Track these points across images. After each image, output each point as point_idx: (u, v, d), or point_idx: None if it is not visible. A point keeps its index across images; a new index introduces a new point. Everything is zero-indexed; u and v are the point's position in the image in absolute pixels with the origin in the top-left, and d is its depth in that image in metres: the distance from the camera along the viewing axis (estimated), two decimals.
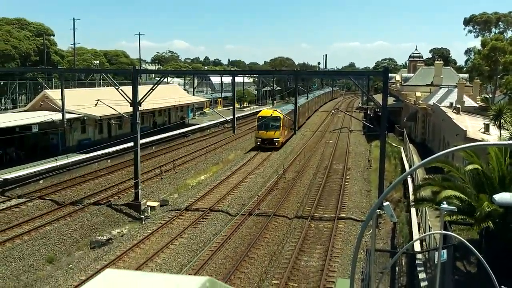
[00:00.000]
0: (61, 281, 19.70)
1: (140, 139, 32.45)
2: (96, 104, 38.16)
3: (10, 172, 31.33)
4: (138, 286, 2.07)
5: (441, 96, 47.92)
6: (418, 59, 79.16)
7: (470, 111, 40.61)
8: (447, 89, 49.93)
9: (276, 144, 49.80)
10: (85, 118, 43.65)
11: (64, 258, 22.91)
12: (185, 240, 23.64)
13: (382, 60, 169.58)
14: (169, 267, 20.55)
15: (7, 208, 27.55)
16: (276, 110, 51.54)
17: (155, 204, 30.71)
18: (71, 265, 21.75)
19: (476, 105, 44.35)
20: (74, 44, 74.66)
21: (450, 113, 36.44)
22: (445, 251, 14.58)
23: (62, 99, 38.11)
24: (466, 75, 63.46)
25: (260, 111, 62.31)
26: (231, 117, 36.62)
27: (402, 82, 70.80)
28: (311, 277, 19.66)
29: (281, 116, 50.18)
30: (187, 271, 19.91)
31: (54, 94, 44.04)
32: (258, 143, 50.19)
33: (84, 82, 70.53)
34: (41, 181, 33.00)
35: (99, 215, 27.93)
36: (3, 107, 55.18)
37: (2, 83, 57.79)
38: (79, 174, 35.80)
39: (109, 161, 40.38)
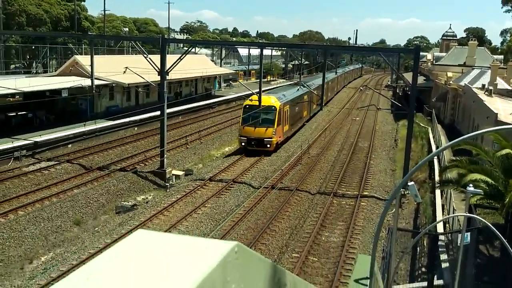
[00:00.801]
0: (87, 243, 20.29)
1: (167, 108, 32.70)
2: (124, 72, 38.47)
3: (40, 135, 32.05)
4: (168, 247, 2.12)
5: (473, 77, 46.71)
6: (451, 38, 77.01)
7: (503, 93, 39.56)
8: (480, 70, 48.59)
9: (268, 146, 35.74)
10: (114, 85, 44.10)
11: (90, 221, 23.55)
12: (208, 210, 23.99)
13: (414, 38, 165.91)
14: (192, 235, 20.90)
15: (37, 170, 28.32)
16: (270, 96, 37.99)
17: (180, 173, 31.12)
18: (97, 228, 22.35)
19: (510, 87, 43.11)
20: (104, 10, 74.84)
21: (481, 95, 35.58)
22: (468, 233, 14.46)
23: (92, 65, 38.50)
24: (501, 57, 61.70)
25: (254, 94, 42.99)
26: (257, 90, 36.54)
27: (434, 61, 69.17)
28: (331, 252, 19.79)
29: (277, 106, 36.29)
30: None
31: (84, 60, 44.50)
32: (243, 144, 36.08)
33: (113, 49, 70.99)
34: (69, 145, 33.72)
35: (125, 181, 28.48)
36: (34, 71, 56.07)
37: (33, 47, 58.63)
38: (106, 140, 36.41)
39: (135, 128, 40.90)
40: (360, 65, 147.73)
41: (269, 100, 36.58)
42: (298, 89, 47.31)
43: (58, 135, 33.06)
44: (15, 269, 18.04)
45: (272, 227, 22.18)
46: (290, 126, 41.06)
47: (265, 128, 35.61)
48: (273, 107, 35.93)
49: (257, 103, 35.58)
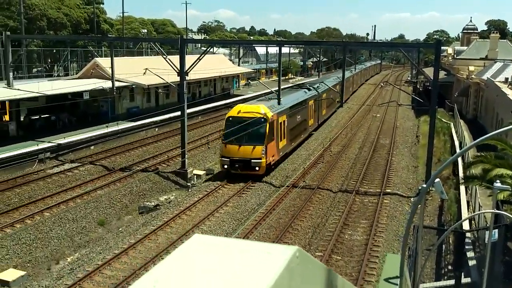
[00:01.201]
0: (112, 244, 20.51)
1: (187, 108, 32.86)
2: (144, 73, 38.84)
3: (63, 138, 32.53)
4: (230, 252, 2.11)
5: (496, 71, 45.88)
6: (472, 31, 75.77)
7: None
8: (502, 63, 47.71)
9: (257, 169, 28.31)
10: (134, 86, 44.51)
11: (114, 222, 23.81)
12: (230, 209, 24.05)
13: (433, 32, 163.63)
14: (215, 235, 20.99)
15: (60, 172, 28.75)
16: (260, 105, 30.32)
17: (201, 172, 31.26)
18: (120, 229, 22.59)
19: None
20: (122, 12, 75.66)
21: (505, 88, 34.93)
22: (496, 230, 14.23)
23: (112, 68, 38.93)
24: None
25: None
26: (276, 88, 36.45)
27: (454, 56, 68.21)
28: (354, 251, 19.66)
29: (268, 117, 28.80)
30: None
31: (104, 62, 45.01)
32: (225, 167, 28.98)
33: (132, 50, 71.65)
34: (92, 147, 34.15)
35: (147, 182, 28.72)
36: (56, 74, 56.90)
37: (54, 51, 59.50)
38: (127, 142, 36.79)
39: (156, 129, 41.23)
40: (379, 61, 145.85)
41: (257, 109, 29.07)
42: (303, 91, 41.18)
43: (81, 137, 33.51)
44: (42, 269, 18.35)
45: (295, 226, 22.13)
46: (289, 141, 33.68)
47: (253, 146, 27.88)
48: (262, 119, 28.17)
49: (243, 114, 28.69)
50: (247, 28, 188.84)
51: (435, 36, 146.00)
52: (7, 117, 35.54)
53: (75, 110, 41.07)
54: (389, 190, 27.51)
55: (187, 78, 33.57)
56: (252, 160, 27.96)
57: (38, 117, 37.74)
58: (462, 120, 41.17)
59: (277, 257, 2.06)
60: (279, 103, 32.75)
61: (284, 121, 31.99)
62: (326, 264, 18.29)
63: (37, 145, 30.57)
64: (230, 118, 28.95)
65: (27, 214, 22.35)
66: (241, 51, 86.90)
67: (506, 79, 39.29)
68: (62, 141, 32.13)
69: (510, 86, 36.32)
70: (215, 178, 30.04)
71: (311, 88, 44.14)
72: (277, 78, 36.65)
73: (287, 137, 33.18)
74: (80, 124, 37.78)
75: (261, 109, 29.22)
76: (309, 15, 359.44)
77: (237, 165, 28.08)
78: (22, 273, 17.13)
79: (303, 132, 38.89)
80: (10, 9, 54.84)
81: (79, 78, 45.67)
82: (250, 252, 2.12)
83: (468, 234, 17.35)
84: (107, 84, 39.63)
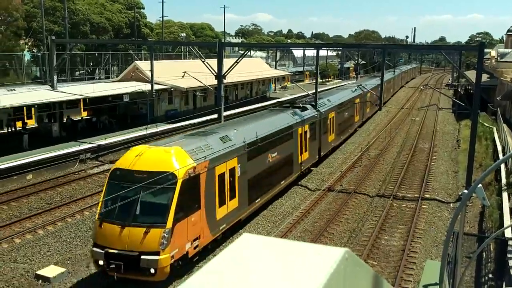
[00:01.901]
0: None
1: (224, 111, 33.14)
2: (182, 76, 39.45)
3: (105, 139, 33.37)
4: (280, 252, 2.12)
5: None
6: None
7: None
8: None
9: (152, 272, 14.84)
10: (172, 89, 45.25)
11: None
12: (265, 212, 24.04)
13: (476, 34, 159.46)
14: None
15: (100, 172, 29.49)
16: (170, 148, 16.59)
17: None
18: None
19: None
20: (162, 17, 77.08)
21: None
22: None
23: (151, 71, 39.73)
24: None
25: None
26: (313, 91, 36.28)
27: (498, 58, 66.10)
28: (391, 256, 19.31)
29: (180, 173, 15.60)
30: None
31: (143, 65, 45.98)
32: (100, 263, 15.46)
33: (171, 54, 72.86)
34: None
35: None
36: (98, 77, 58.48)
37: (96, 55, 61.22)
38: None
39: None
40: (416, 65, 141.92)
41: (164, 157, 16.23)
42: (282, 115, 27.42)
43: (120, 138, 34.28)
44: (81, 267, 18.82)
45: (330, 230, 21.93)
46: (242, 201, 20.68)
47: (145, 229, 15.01)
48: (168, 177, 15.52)
49: (138, 166, 15.96)
50: (285, 31, 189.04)
51: (477, 38, 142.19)
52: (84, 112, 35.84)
53: (115, 112, 42.08)
54: (427, 196, 26.90)
55: (225, 81, 33.90)
56: (143, 256, 14.74)
57: (80, 118, 38.85)
58: (505, 125, 39.84)
59: (327, 258, 2.06)
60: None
61: (224, 175, 19.04)
62: None
63: (79, 145, 31.47)
64: (117, 172, 16.25)
65: (68, 213, 23.01)
66: (278, 54, 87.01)
67: None
68: (102, 142, 32.95)
69: None
70: None
71: (305, 106, 33.31)
72: (311, 81, 36.14)
73: (242, 196, 20.68)
74: (119, 126, 38.67)
75: (172, 157, 16.11)
76: (347, 18, 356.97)
77: (113, 265, 14.92)
78: (62, 270, 17.61)
79: (272, 187, 24.71)
80: (55, 15, 56.81)
81: (119, 81, 46.79)
82: (299, 253, 2.12)
83: (510, 242, 16.78)
84: (147, 86, 40.45)
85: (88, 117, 39.64)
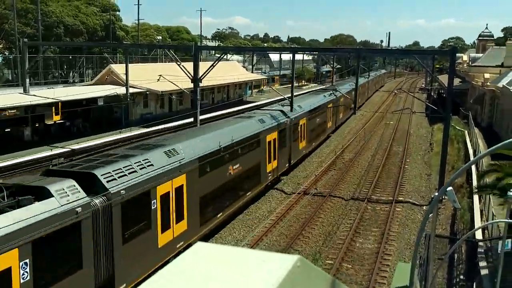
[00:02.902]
0: None
1: (200, 115, 33.04)
2: (158, 80, 39.20)
3: (77, 143, 32.88)
4: (232, 260, 2.12)
5: None
6: (488, 38, 75.11)
7: None
8: None
9: None
10: (148, 92, 44.90)
11: None
12: (241, 216, 24.01)
13: (449, 39, 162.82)
14: (225, 242, 21.01)
15: None
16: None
17: None
18: None
19: None
20: (138, 19, 76.50)
21: None
22: (509, 240, 14.03)
23: (127, 74, 39.39)
24: None
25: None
26: (289, 95, 36.46)
27: (470, 63, 67.60)
28: (366, 259, 19.50)
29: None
30: (243, 246, 20.29)
31: (118, 68, 45.55)
32: None
33: (147, 57, 72.32)
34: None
35: None
36: (71, 81, 57.67)
37: (70, 58, 60.35)
38: None
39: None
40: (385, 71, 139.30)
41: None
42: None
43: (94, 142, 33.82)
44: None
45: (305, 234, 22.04)
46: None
47: None
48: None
49: None
50: (261, 35, 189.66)
51: (450, 43, 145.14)
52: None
53: (90, 116, 41.54)
54: (401, 198, 27.28)
55: (201, 84, 33.81)
56: None
57: (52, 122, 38.21)
58: (476, 128, 40.73)
59: (278, 266, 2.06)
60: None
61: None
62: (336, 272, 18.20)
63: (51, 150, 30.92)
64: None
65: None
66: (255, 58, 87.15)
67: None
68: (76, 146, 32.46)
69: None
70: None
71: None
72: (287, 86, 36.19)
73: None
74: (94, 130, 38.16)
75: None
76: (324, 22, 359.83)
77: None
78: None
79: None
80: (27, 17, 55.83)
81: (94, 84, 46.24)
82: (251, 261, 2.12)
83: (481, 244, 17.14)
84: (122, 90, 40.05)
85: (62, 121, 38.99)
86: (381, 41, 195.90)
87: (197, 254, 2.18)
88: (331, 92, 46.16)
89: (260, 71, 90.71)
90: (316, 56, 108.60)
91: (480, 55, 67.16)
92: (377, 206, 26.12)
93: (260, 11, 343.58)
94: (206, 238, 19.75)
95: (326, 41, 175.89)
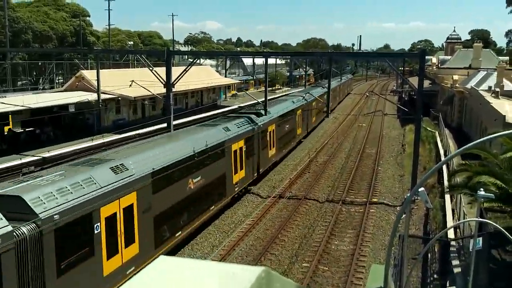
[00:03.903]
0: None
1: (173, 120, 32.78)
2: (130, 85, 38.74)
3: (48, 151, 32.23)
4: (194, 274, 2.07)
5: (479, 80, 46.51)
6: (456, 41, 77.01)
7: (510, 95, 39.28)
8: (486, 72, 48.39)
9: None
10: (120, 98, 44.38)
11: None
12: (216, 221, 23.90)
13: (418, 41, 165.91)
14: (201, 247, 20.86)
15: None
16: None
17: None
18: None
19: None
20: (109, 25, 75.75)
21: (488, 97, 35.38)
22: (480, 238, 14.31)
23: (98, 80, 38.84)
24: (507, 58, 61.42)
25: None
26: (263, 99, 36.53)
27: (439, 65, 69.07)
28: (341, 261, 19.63)
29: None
30: (218, 252, 20.20)
31: (90, 74, 44.90)
32: None
33: (118, 63, 71.53)
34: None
35: None
36: (41, 87, 56.55)
37: (40, 64, 59.19)
38: None
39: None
40: (351, 77, 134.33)
41: None
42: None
43: (66, 150, 33.20)
44: None
45: (282, 237, 22.06)
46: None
47: None
48: None
49: None
50: (234, 40, 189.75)
51: (419, 46, 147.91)
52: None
53: (61, 123, 40.80)
54: (375, 200, 27.60)
55: (174, 89, 33.56)
56: None
57: (22, 130, 37.39)
58: (447, 129, 41.54)
59: (242, 278, 2.04)
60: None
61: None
62: (313, 274, 18.26)
63: (20, 159, 30.23)
64: None
65: None
66: (228, 62, 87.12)
67: (490, 87, 39.81)
68: (47, 154, 31.80)
69: (493, 95, 36.79)
70: None
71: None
72: (261, 90, 36.06)
73: None
74: (65, 137, 37.47)
75: None
76: (296, 26, 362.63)
77: None
78: None
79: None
80: None
81: (64, 91, 45.46)
82: (215, 274, 2.08)
83: (453, 243, 17.44)
84: (93, 96, 39.47)
85: (31, 128, 38.19)
86: (353, 44, 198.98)
87: (159, 268, 2.13)
88: (303, 96, 45.99)
89: (233, 76, 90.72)
90: (289, 60, 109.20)
91: (449, 57, 68.66)
92: (352, 208, 26.35)
93: (232, 16, 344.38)
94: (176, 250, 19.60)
95: (298, 45, 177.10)
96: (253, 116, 29.94)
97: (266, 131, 31.55)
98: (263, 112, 32.01)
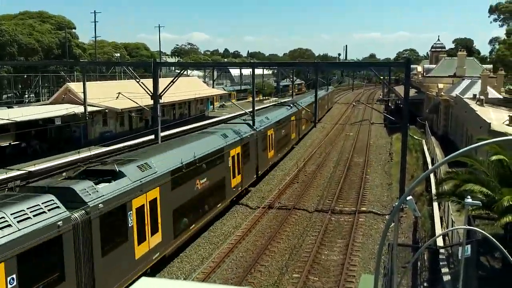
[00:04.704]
0: None
1: (161, 131, 32.66)
2: (117, 97, 38.53)
3: (34, 165, 31.86)
4: None
5: (464, 88, 47.10)
6: (440, 49, 77.83)
7: (494, 102, 39.83)
8: (470, 80, 49.07)
9: None
10: (107, 111, 44.12)
11: None
12: (206, 233, 23.76)
13: (403, 50, 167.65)
14: (190, 260, 20.69)
15: None
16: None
17: None
18: None
19: (501, 96, 43.49)
20: (95, 37, 75.61)
21: (473, 105, 35.80)
22: (469, 246, 14.39)
23: (84, 92, 38.60)
24: (490, 66, 62.29)
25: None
26: (251, 109, 36.58)
27: (424, 74, 69.80)
28: (331, 271, 19.59)
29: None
30: (208, 264, 20.05)
31: (76, 87, 44.63)
32: None
33: (105, 75, 71.21)
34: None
35: None
36: (27, 100, 56.06)
37: (25, 77, 58.70)
38: None
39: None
40: (333, 89, 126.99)
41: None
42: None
43: (52, 163, 32.86)
44: None
45: (271, 248, 21.98)
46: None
47: None
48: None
49: None
50: (221, 51, 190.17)
51: (404, 55, 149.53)
52: None
53: (47, 136, 40.41)
54: (364, 209, 27.66)
55: (161, 100, 33.48)
56: None
57: (7, 144, 36.97)
58: (433, 137, 41.91)
59: None
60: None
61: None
62: (303, 285, 18.19)
63: (6, 173, 29.84)
64: None
65: None
66: (215, 73, 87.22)
67: (474, 95, 40.31)
68: (33, 168, 31.42)
69: (478, 103, 37.23)
70: None
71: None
72: (252, 99, 36.14)
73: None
74: (51, 150, 37.10)
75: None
76: (283, 37, 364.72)
77: None
78: None
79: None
80: None
81: (50, 103, 45.09)
82: None
83: (442, 251, 17.52)
84: (80, 109, 39.19)
85: (17, 142, 37.76)
86: (339, 54, 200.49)
87: None
88: (292, 105, 46.76)
89: (221, 86, 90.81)
90: (275, 71, 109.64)
91: (434, 66, 69.44)
92: (341, 217, 26.37)
93: (219, 27, 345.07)
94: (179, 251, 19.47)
95: (285, 55, 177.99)
96: (251, 122, 32.03)
97: (266, 135, 34.16)
98: (263, 118, 34.85)
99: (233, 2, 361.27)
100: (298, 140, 49.59)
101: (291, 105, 46.39)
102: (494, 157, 17.64)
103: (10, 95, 57.16)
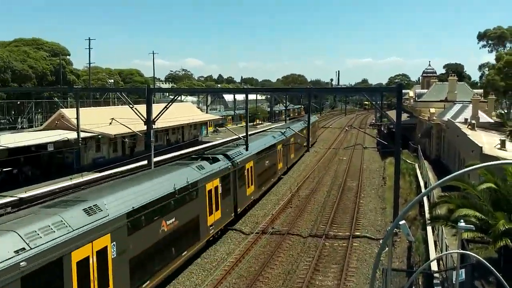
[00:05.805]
0: None
1: (154, 157, 32.60)
2: (110, 123, 38.56)
3: (25, 192, 31.61)
4: None
5: (455, 112, 47.55)
6: (431, 74, 78.86)
7: (486, 126, 40.21)
8: (461, 104, 49.55)
9: None
10: (100, 136, 44.07)
11: None
12: (199, 260, 23.51)
13: (395, 76, 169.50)
14: (183, 287, 20.42)
15: None
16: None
17: None
18: None
19: (492, 120, 43.91)
20: (89, 63, 75.92)
21: (465, 129, 36.12)
22: (463, 270, 14.35)
23: (78, 118, 38.65)
24: (481, 91, 63.07)
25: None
26: (244, 134, 36.66)
27: (416, 98, 70.47)
28: None
29: None
30: None
31: (69, 113, 44.65)
32: None
33: (99, 101, 71.35)
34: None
35: None
36: (20, 127, 55.91)
37: (19, 103, 58.69)
38: None
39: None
40: (317, 118, 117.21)
41: None
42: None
43: (44, 190, 32.61)
44: None
45: (265, 274, 21.75)
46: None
47: None
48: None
49: None
50: (215, 76, 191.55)
51: (396, 80, 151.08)
52: None
53: (39, 162, 40.19)
54: (358, 233, 27.53)
55: (155, 126, 33.54)
56: None
57: None
58: (426, 161, 42.08)
59: None
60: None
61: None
62: None
63: None
64: None
65: None
66: (209, 98, 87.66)
67: (466, 119, 40.69)
68: (24, 195, 31.15)
69: (469, 127, 37.56)
70: None
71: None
72: (241, 125, 36.15)
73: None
74: (44, 177, 36.87)
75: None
76: (276, 63, 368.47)
77: None
78: None
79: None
80: None
81: (43, 129, 45.01)
82: None
83: (436, 275, 17.41)
84: (73, 135, 39.15)
85: (9, 168, 37.51)
86: (331, 80, 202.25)
87: None
88: (283, 131, 46.39)
89: (215, 111, 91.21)
90: (269, 96, 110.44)
91: (425, 90, 70.16)
92: (335, 242, 26.22)
93: (212, 53, 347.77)
94: None
95: (278, 81, 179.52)
96: (230, 153, 29.04)
97: (244, 168, 30.59)
98: (241, 149, 31.29)
99: (226, 29, 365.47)
100: (287, 170, 46.20)
101: (282, 131, 45.86)
102: (484, 185, 17.79)
103: (2, 121, 57.03)
